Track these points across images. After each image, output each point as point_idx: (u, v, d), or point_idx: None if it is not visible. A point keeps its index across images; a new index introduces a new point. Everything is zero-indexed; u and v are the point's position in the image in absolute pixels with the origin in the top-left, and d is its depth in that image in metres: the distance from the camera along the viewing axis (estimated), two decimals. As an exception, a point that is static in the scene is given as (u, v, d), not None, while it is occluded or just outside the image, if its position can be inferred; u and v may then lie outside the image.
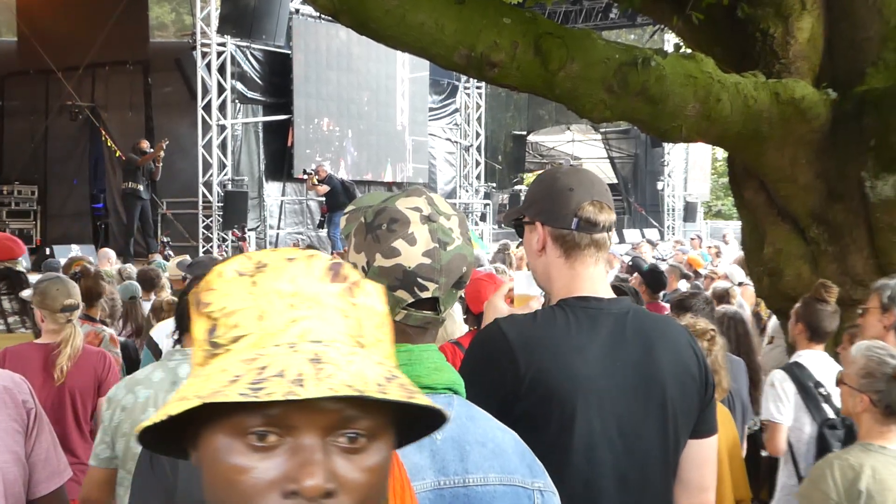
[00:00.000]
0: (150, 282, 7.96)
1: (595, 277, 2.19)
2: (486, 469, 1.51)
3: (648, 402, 2.11)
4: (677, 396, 2.15)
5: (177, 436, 0.96)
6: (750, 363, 4.69)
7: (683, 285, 10.08)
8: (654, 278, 7.91)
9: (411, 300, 1.53)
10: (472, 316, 4.34)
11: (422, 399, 0.89)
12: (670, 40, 22.68)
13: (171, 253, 14.24)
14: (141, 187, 15.25)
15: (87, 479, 3.22)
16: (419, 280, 1.52)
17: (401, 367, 1.51)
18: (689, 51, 5.11)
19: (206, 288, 0.98)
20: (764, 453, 4.92)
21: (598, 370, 2.07)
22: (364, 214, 1.58)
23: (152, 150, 15.21)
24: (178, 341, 3.24)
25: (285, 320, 0.93)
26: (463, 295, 4.30)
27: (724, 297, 7.66)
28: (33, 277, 6.26)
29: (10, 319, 4.89)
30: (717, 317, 4.91)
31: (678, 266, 10.86)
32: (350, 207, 1.65)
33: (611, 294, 2.21)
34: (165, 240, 15.50)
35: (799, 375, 4.37)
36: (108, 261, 11.13)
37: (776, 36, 5.01)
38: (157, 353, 4.67)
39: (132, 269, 9.47)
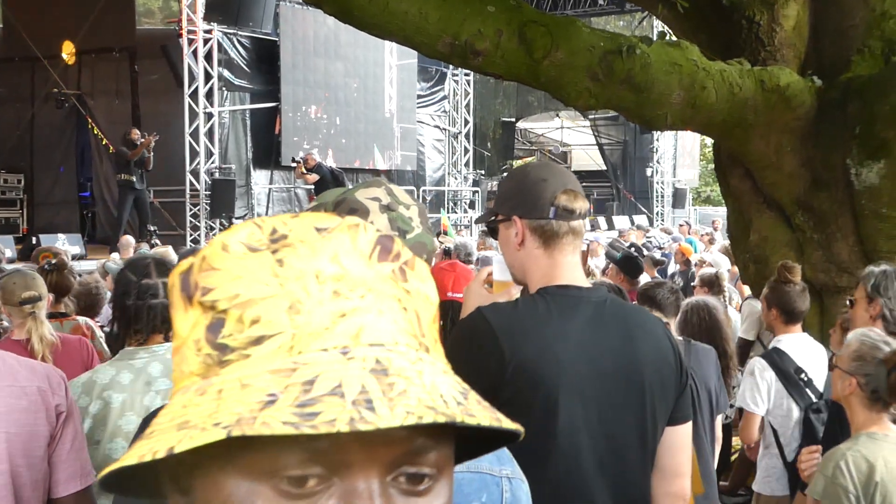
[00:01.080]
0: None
1: (572, 266, 2.24)
2: None
3: (628, 388, 2.15)
4: (656, 384, 2.18)
5: (143, 472, 0.67)
6: (720, 351, 4.68)
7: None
8: (629, 264, 7.88)
9: None
10: None
11: (508, 422, 0.67)
12: (659, 26, 22.69)
13: (157, 242, 14.18)
14: (134, 178, 15.17)
15: None
16: None
17: None
18: (674, 38, 5.10)
19: (204, 268, 0.71)
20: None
21: (579, 356, 2.10)
22: (325, 207, 1.59)
23: (144, 139, 15.12)
24: (119, 339, 2.98)
25: (331, 314, 0.68)
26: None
27: (713, 283, 7.67)
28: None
29: None
30: (683, 307, 4.91)
31: (650, 255, 10.87)
32: (312, 204, 1.67)
33: (587, 283, 2.26)
34: (152, 228, 15.43)
35: (779, 362, 4.39)
36: (132, 248, 11.13)
37: (762, 23, 5.00)
38: None
39: (116, 259, 9.44)
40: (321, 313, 0.68)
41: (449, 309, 4.25)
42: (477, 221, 2.58)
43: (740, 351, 5.92)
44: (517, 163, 31.51)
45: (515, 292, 2.41)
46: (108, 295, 7.21)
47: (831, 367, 3.23)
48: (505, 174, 26.58)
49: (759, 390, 4.36)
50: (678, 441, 2.29)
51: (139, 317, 2.93)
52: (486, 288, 2.45)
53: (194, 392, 0.67)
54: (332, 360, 0.65)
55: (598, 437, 2.11)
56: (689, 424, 2.33)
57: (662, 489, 2.28)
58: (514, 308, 2.16)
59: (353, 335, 0.67)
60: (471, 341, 2.10)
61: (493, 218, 2.33)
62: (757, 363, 4.44)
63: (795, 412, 4.33)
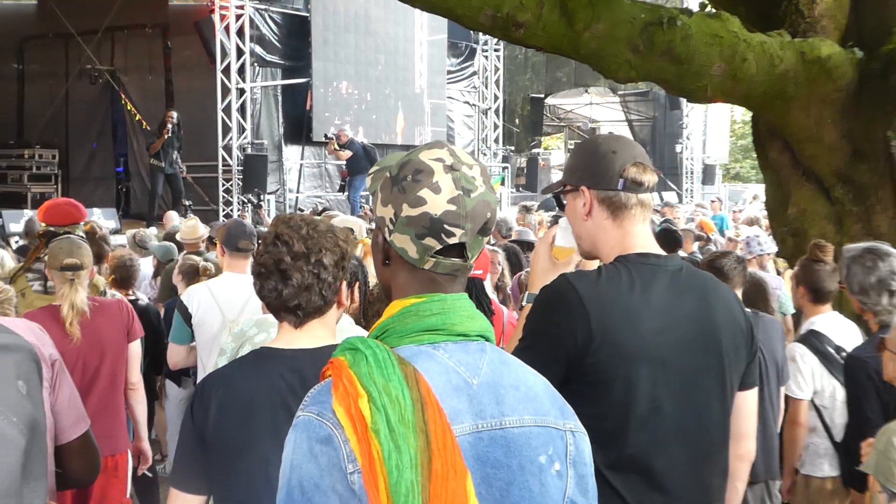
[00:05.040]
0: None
1: (644, 234, 2.29)
2: (521, 411, 1.56)
3: (706, 354, 2.21)
4: (731, 348, 2.25)
5: None
6: None
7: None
8: (667, 238, 7.87)
9: (439, 247, 1.57)
10: None
11: None
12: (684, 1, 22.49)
13: (193, 216, 14.30)
14: (163, 164, 15.37)
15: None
16: (446, 226, 1.55)
17: (434, 315, 1.55)
18: (714, 10, 5.09)
19: None
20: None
21: (660, 325, 2.16)
22: (389, 170, 1.64)
23: (170, 122, 15.22)
24: None
25: None
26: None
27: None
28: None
29: (50, 283, 4.93)
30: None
31: (690, 229, 10.83)
32: (374, 168, 1.71)
33: (661, 251, 2.31)
34: (187, 203, 15.55)
35: (818, 345, 4.36)
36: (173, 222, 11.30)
37: (802, -5, 4.99)
38: (187, 317, 4.62)
39: (147, 233, 9.55)
40: None
41: (471, 286, 4.25)
42: (544, 191, 2.62)
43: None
44: (545, 139, 31.41)
45: (577, 258, 2.47)
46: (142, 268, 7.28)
47: (880, 349, 3.24)
48: (532, 150, 26.51)
49: (803, 375, 4.33)
50: (746, 405, 2.38)
51: None
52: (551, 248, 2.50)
53: None
54: None
55: (680, 404, 2.17)
56: (756, 390, 2.41)
57: (731, 451, 2.35)
58: (599, 276, 2.21)
59: None
60: (559, 308, 2.16)
61: (561, 188, 2.37)
62: (797, 348, 4.39)
63: (840, 392, 4.31)
